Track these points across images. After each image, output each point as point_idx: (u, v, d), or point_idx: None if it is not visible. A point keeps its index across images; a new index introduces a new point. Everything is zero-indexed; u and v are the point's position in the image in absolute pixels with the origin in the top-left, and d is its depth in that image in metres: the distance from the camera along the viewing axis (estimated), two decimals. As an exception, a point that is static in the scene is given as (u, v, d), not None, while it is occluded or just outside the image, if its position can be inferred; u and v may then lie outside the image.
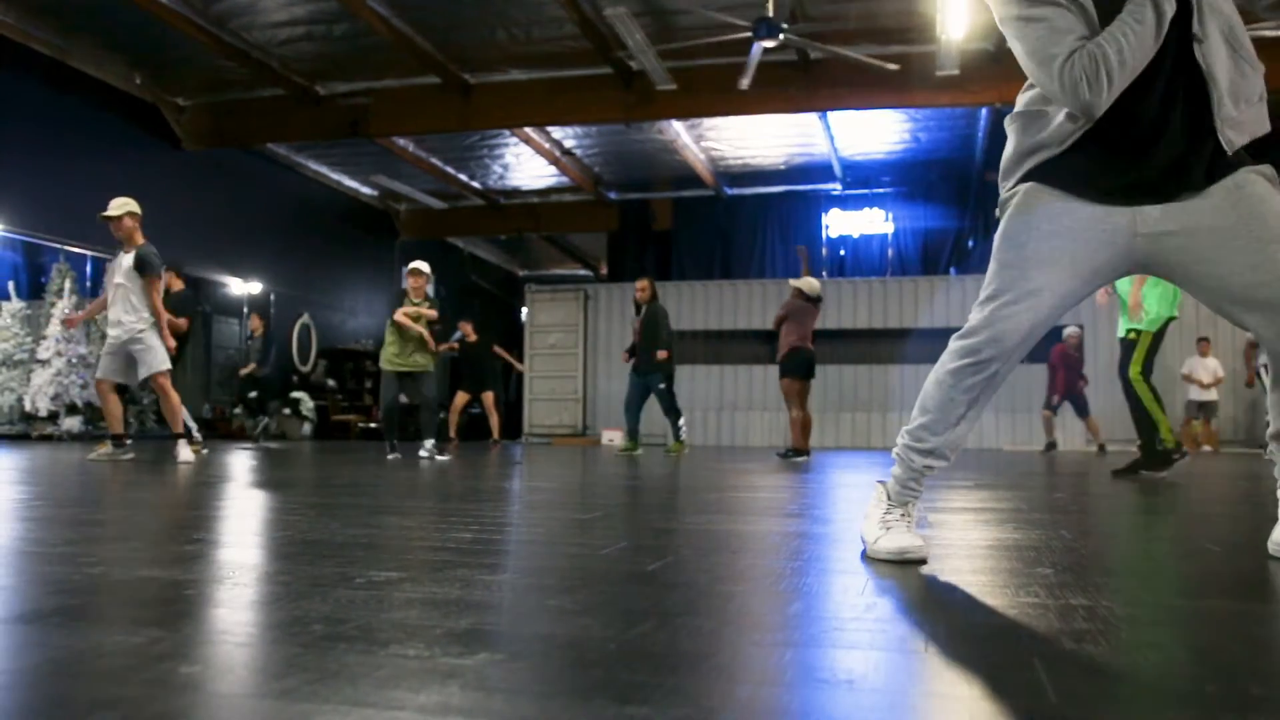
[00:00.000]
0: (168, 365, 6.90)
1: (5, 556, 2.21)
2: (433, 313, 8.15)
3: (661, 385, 9.93)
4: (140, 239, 6.93)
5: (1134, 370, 6.00)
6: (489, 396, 11.96)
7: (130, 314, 6.81)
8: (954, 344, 2.25)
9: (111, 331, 6.90)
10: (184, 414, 7.32)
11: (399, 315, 8.02)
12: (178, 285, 8.97)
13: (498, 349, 13.04)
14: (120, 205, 6.90)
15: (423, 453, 7.99)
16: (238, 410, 11.85)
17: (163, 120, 13.03)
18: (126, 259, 6.89)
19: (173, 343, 7.05)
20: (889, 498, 2.34)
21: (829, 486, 5.16)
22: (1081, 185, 2.14)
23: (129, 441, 7.09)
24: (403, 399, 8.49)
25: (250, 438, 11.39)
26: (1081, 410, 12.30)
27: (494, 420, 12.17)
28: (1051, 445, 12.44)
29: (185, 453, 6.75)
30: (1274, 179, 2.11)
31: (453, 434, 11.88)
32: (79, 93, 11.46)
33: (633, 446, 10.11)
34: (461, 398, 11.94)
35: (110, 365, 6.89)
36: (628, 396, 10.21)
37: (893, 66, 9.87)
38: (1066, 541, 2.68)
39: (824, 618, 1.62)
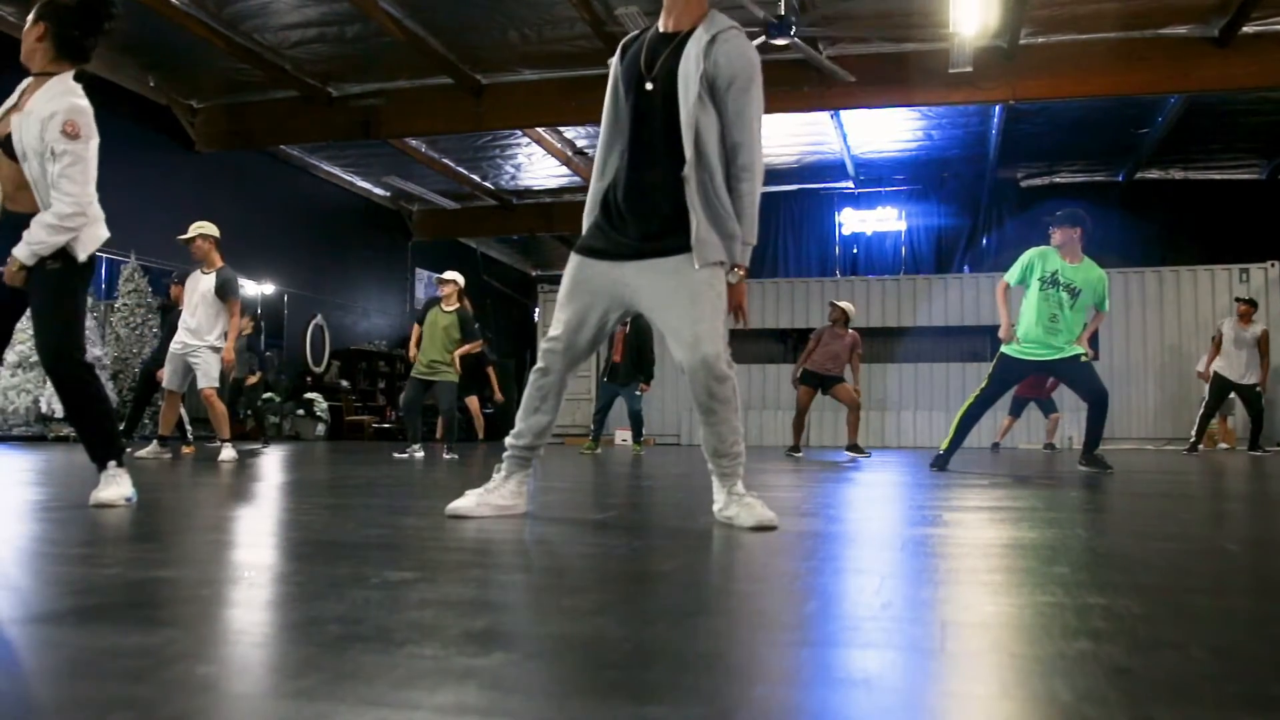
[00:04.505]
0: (216, 384, 7.32)
1: (22, 557, 2.22)
2: (469, 349, 8.53)
3: (639, 392, 10.54)
4: (218, 260, 7.36)
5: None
6: (473, 401, 12.40)
7: (201, 331, 7.22)
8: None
9: (178, 339, 7.29)
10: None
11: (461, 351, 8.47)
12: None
13: (490, 369, 13.39)
14: (195, 228, 7.35)
15: (444, 454, 8.29)
16: (248, 413, 11.92)
17: (176, 122, 13.08)
18: (206, 280, 7.30)
19: (232, 356, 7.46)
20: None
21: (842, 486, 5.15)
22: None
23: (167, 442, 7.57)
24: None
25: (259, 440, 11.44)
26: (1047, 408, 12.48)
27: (479, 423, 12.91)
28: (1050, 445, 12.58)
29: (228, 453, 7.10)
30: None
31: (481, 435, 12.88)
32: (91, 95, 11.45)
33: (595, 446, 10.62)
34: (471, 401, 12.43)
35: (172, 372, 7.28)
36: (633, 403, 10.61)
37: (850, 77, 9.91)
38: (1083, 540, 2.67)
39: (839, 617, 1.62)
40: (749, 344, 15.73)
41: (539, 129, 13.84)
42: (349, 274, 17.12)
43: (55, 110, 3.29)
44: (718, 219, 2.83)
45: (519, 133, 14.13)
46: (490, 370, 13.28)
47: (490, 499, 3.03)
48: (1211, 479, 6.11)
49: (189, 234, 7.35)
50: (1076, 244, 6.21)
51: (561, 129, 14.16)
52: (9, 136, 3.32)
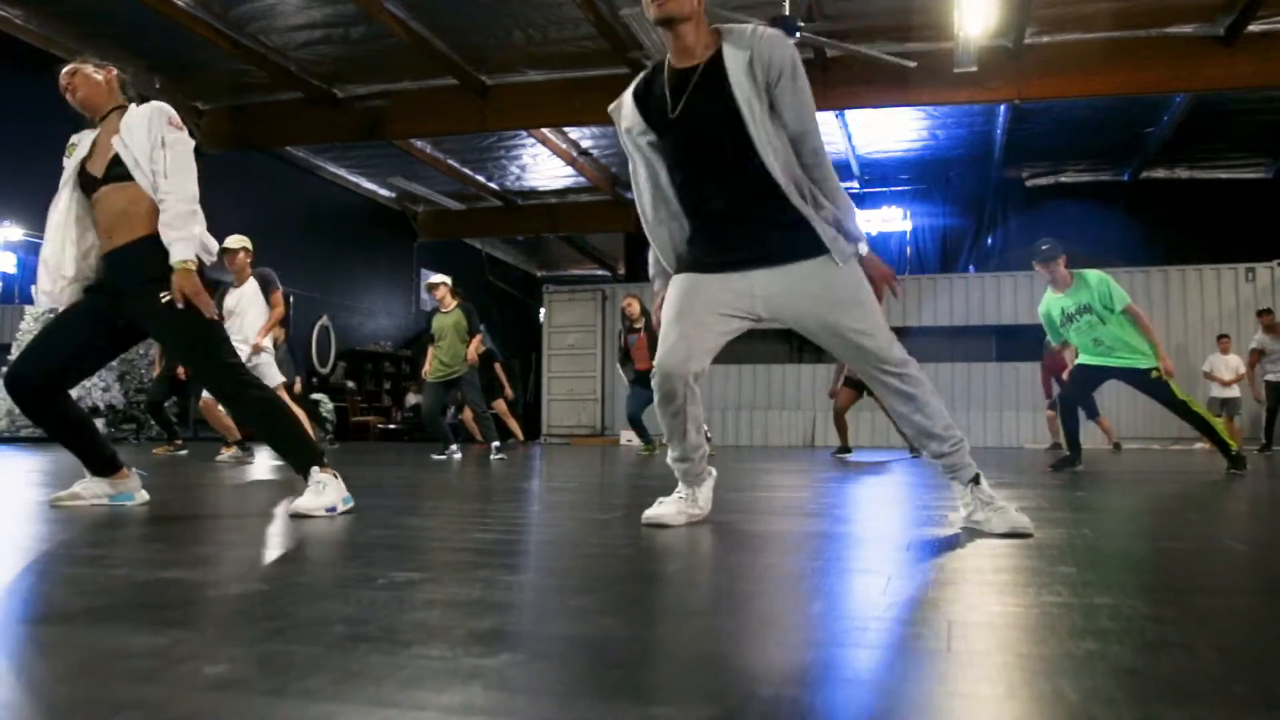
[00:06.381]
0: (281, 379, 7.25)
1: (30, 558, 2.23)
2: (477, 346, 8.41)
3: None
4: (249, 273, 7.34)
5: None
6: (500, 404, 12.39)
7: (250, 339, 7.11)
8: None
9: None
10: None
11: (471, 353, 8.32)
12: None
13: (499, 365, 13.38)
14: (238, 240, 7.33)
15: (492, 456, 8.21)
16: None
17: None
18: (245, 288, 7.24)
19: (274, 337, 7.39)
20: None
21: (847, 486, 5.14)
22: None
23: (248, 445, 7.55)
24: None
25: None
26: (1091, 413, 12.43)
27: (474, 427, 13.05)
28: (1056, 445, 12.52)
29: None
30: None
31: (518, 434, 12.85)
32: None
33: (653, 446, 10.35)
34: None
35: None
36: (635, 406, 10.33)
37: (910, 64, 9.84)
38: (1089, 540, 2.66)
39: (846, 617, 1.61)
40: (754, 344, 15.71)
41: (544, 129, 13.84)
42: (354, 275, 17.14)
43: (154, 108, 3.35)
44: (827, 215, 2.77)
45: (524, 133, 14.14)
46: (499, 367, 13.24)
47: (686, 508, 2.97)
48: (1216, 478, 6.09)
49: (234, 245, 7.27)
50: (1061, 271, 6.32)
51: (566, 129, 14.17)
52: (106, 168, 3.31)
